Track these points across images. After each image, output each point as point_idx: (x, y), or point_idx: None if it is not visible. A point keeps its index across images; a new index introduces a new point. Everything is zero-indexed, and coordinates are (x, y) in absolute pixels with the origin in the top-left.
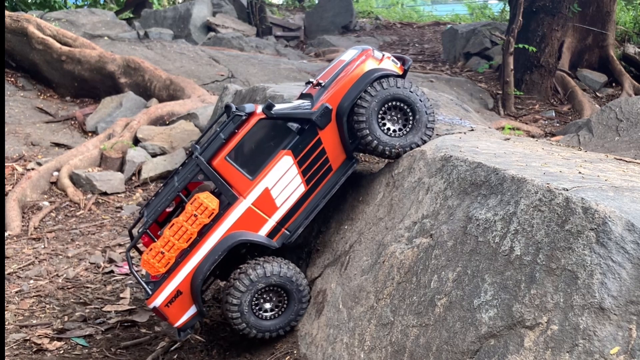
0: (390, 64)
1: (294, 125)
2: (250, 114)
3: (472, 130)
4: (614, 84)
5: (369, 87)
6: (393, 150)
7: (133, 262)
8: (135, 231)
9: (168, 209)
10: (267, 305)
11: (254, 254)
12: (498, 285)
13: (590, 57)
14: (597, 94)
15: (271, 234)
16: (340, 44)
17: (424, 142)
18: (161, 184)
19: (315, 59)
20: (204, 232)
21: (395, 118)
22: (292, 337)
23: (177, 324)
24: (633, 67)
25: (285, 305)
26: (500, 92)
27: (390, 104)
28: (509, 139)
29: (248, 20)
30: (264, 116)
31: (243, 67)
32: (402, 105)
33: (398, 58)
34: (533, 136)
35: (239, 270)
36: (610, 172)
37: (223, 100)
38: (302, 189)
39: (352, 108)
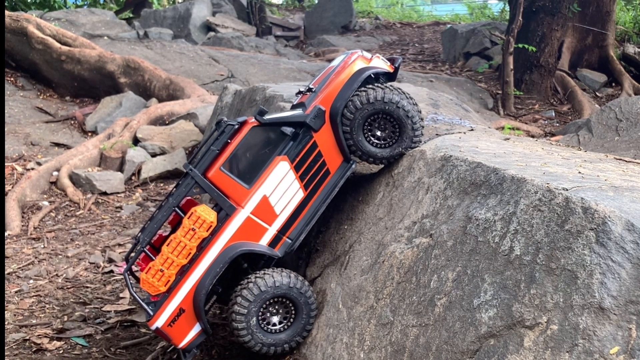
0: (380, 62)
1: (288, 130)
2: (243, 123)
3: (472, 130)
4: (613, 84)
5: (358, 94)
6: (376, 160)
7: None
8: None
9: (164, 233)
10: (275, 319)
11: (256, 267)
12: (498, 285)
13: (590, 57)
14: (597, 93)
15: (272, 243)
16: (340, 44)
17: (418, 142)
18: (161, 184)
19: (315, 59)
20: (203, 246)
21: (383, 127)
22: None
23: (181, 345)
24: (633, 67)
25: (293, 317)
26: (500, 92)
27: (376, 115)
28: (508, 139)
29: (248, 20)
30: (256, 123)
31: (243, 67)
32: (389, 117)
33: (388, 59)
34: (533, 136)
35: (241, 285)
36: (610, 172)
37: (223, 100)
38: (300, 194)
39: (343, 110)
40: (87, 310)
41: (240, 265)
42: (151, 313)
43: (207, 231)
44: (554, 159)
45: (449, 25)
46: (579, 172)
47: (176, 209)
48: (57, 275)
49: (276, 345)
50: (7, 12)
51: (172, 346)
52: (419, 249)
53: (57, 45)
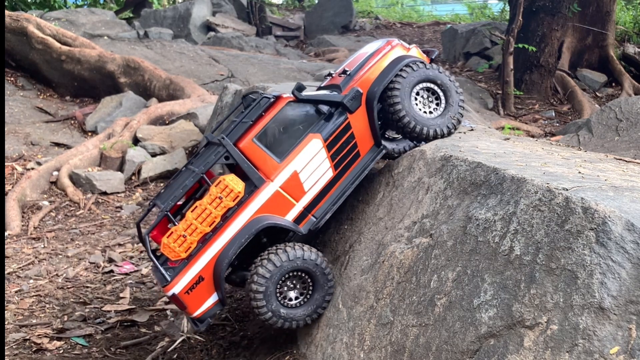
0: (417, 52)
1: (325, 108)
2: (278, 97)
3: (472, 130)
4: (613, 84)
5: (401, 71)
6: (430, 129)
7: (133, 260)
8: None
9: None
10: (292, 294)
11: (275, 243)
12: (498, 285)
13: (590, 57)
14: (597, 93)
15: (298, 220)
16: (340, 43)
17: (457, 123)
18: (161, 184)
19: (315, 59)
20: (228, 216)
21: (427, 100)
22: (291, 336)
23: (196, 313)
24: (633, 67)
25: (310, 292)
26: (500, 92)
27: (422, 85)
28: (508, 139)
29: (248, 20)
30: (293, 98)
31: (243, 67)
32: (433, 87)
33: (424, 52)
34: (533, 136)
35: (261, 257)
36: (610, 172)
37: (223, 100)
38: (330, 173)
39: (384, 93)
40: (87, 310)
41: (260, 239)
42: (168, 278)
43: (233, 201)
44: (554, 159)
45: (449, 25)
46: (579, 172)
47: (204, 176)
48: (57, 275)
49: (294, 320)
50: (7, 12)
51: (172, 346)
52: (419, 249)
53: (57, 45)
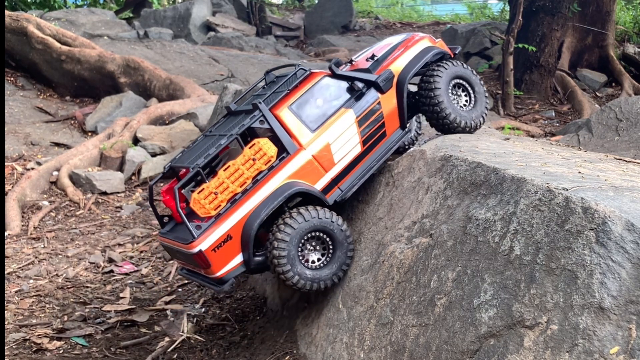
0: (444, 45)
1: (360, 84)
2: (313, 72)
3: None
4: (613, 84)
5: (436, 67)
6: (468, 122)
7: (133, 260)
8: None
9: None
10: (314, 256)
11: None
12: (498, 285)
13: (590, 57)
14: (597, 93)
15: (325, 190)
16: (340, 43)
17: (485, 116)
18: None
19: (315, 59)
20: (258, 179)
21: (457, 96)
22: (291, 336)
23: (219, 273)
24: (633, 67)
25: (331, 252)
26: (500, 92)
27: (455, 81)
28: (508, 139)
29: (248, 20)
30: (329, 73)
31: (243, 67)
32: (464, 83)
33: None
34: (533, 136)
35: (276, 223)
36: (610, 172)
37: (223, 100)
38: (358, 149)
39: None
40: (87, 310)
41: (281, 208)
42: (195, 235)
43: (265, 164)
44: (554, 159)
45: (449, 25)
46: (579, 172)
47: (238, 137)
48: (57, 275)
49: (322, 280)
50: (7, 12)
51: (172, 346)
52: (419, 248)
53: (57, 45)
